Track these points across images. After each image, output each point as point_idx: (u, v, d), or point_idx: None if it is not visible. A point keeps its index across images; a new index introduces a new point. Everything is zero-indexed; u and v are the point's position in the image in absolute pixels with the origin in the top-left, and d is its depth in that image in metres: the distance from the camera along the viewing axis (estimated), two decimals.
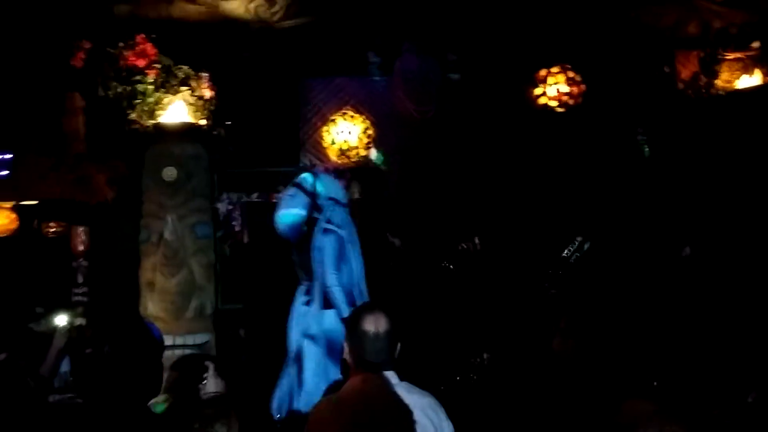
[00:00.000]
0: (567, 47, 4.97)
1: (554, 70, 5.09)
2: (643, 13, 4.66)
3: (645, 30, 4.69)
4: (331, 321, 3.22)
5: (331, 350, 3.19)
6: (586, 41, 4.88)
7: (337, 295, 3.22)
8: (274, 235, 3.40)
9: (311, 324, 3.25)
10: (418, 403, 1.85)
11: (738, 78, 4.50)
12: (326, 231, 3.28)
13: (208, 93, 4.32)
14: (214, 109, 4.34)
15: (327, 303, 3.24)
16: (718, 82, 4.50)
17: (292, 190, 3.37)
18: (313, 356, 3.22)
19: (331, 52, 4.94)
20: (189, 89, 4.22)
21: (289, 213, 3.30)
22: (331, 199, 3.35)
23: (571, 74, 5.06)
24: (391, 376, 1.90)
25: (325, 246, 3.29)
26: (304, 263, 3.35)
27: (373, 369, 1.87)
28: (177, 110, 4.21)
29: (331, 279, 3.24)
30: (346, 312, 3.09)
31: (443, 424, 1.89)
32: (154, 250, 3.95)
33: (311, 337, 3.23)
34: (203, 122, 4.24)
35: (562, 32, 4.82)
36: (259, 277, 4.48)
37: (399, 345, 1.98)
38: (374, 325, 1.89)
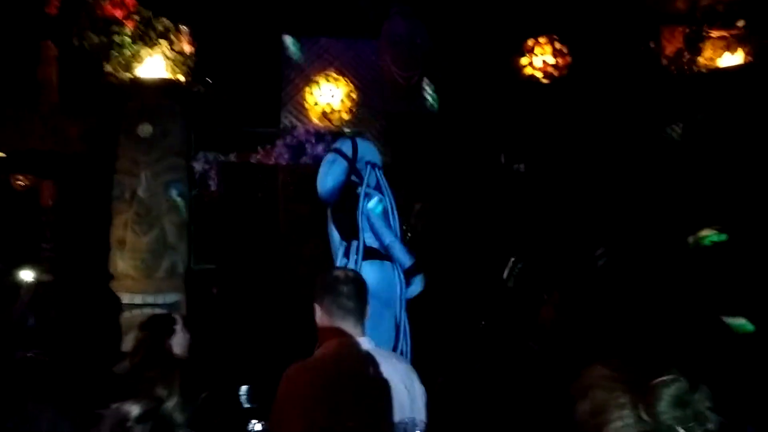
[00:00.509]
0: (554, 18, 4.93)
1: (542, 40, 5.06)
2: None
3: (633, 4, 4.66)
4: (371, 273, 3.27)
5: (378, 300, 3.17)
6: (573, 13, 4.84)
7: (398, 248, 3.40)
8: (250, 196, 3.41)
9: None
10: (394, 369, 1.85)
11: (721, 56, 4.50)
12: (367, 195, 3.43)
13: (187, 48, 4.21)
14: (193, 65, 4.24)
15: (365, 256, 3.37)
16: (701, 60, 4.51)
17: (331, 156, 3.46)
18: None
19: (316, 11, 4.84)
20: (168, 43, 4.11)
21: (330, 178, 3.40)
22: (368, 163, 3.47)
23: (557, 45, 5.04)
24: (365, 341, 1.89)
25: (370, 210, 3.43)
26: (344, 225, 3.46)
27: (346, 323, 1.86)
28: (154, 64, 4.11)
29: (389, 236, 3.41)
30: (409, 261, 3.38)
31: (416, 391, 1.89)
32: (126, 208, 3.87)
33: None
34: (181, 78, 4.14)
35: (550, 3, 4.77)
36: (233, 237, 4.44)
37: (369, 305, 1.97)
38: (344, 272, 1.93)
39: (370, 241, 3.45)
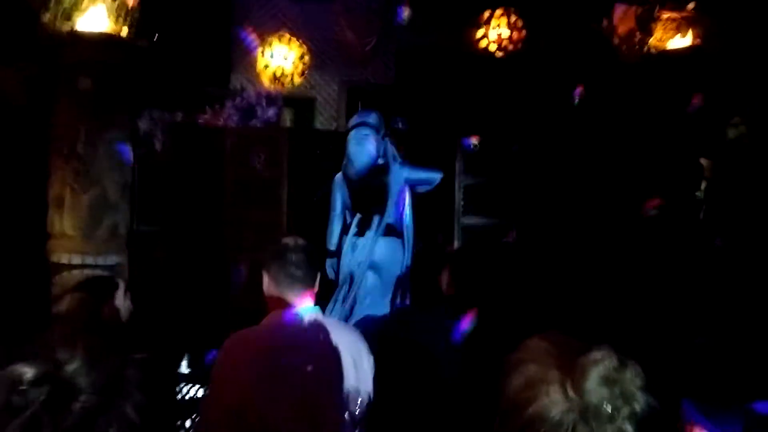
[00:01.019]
0: None
1: (498, 12, 5.04)
2: None
3: None
4: (386, 248, 3.54)
5: (388, 275, 3.54)
6: None
7: (411, 230, 3.64)
8: (197, 158, 3.35)
9: (366, 253, 3.50)
10: (340, 339, 1.83)
11: (671, 38, 4.58)
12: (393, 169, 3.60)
13: (131, 0, 4.01)
14: (138, 19, 4.04)
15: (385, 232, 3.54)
16: (652, 41, 4.58)
17: (365, 130, 3.52)
18: (369, 282, 3.51)
19: None
20: None
21: (366, 154, 3.49)
22: (385, 136, 3.59)
23: (513, 18, 5.03)
24: (314, 310, 1.87)
25: (399, 183, 3.62)
26: (368, 198, 3.58)
27: (293, 292, 1.84)
28: (96, 16, 3.90)
29: (409, 217, 3.65)
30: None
31: (364, 361, 1.89)
32: (64, 164, 3.71)
33: (367, 266, 3.51)
34: (125, 32, 3.95)
35: None
36: (178, 200, 4.32)
37: (318, 275, 1.95)
38: (293, 240, 1.90)
39: (391, 215, 3.58)
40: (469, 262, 2.13)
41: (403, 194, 3.63)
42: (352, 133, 3.53)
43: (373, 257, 3.51)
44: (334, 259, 3.73)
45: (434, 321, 2.08)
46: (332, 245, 3.74)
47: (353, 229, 3.59)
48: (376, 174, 3.57)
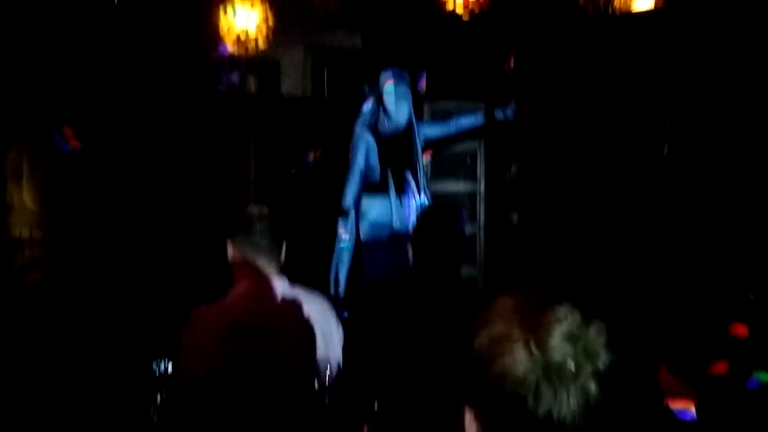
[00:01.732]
0: None
1: None
2: None
3: None
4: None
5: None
6: None
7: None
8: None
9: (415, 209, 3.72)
10: (311, 309, 1.84)
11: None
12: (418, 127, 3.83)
13: None
14: None
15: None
16: (617, 2, 4.58)
17: (404, 87, 3.67)
18: None
19: None
20: None
21: (405, 110, 3.65)
22: None
23: None
24: (279, 281, 1.86)
25: (422, 141, 3.86)
26: (398, 154, 3.75)
27: (259, 261, 1.82)
28: None
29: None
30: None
31: (333, 331, 1.89)
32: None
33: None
34: None
35: None
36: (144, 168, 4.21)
37: (285, 244, 1.93)
38: (257, 208, 1.89)
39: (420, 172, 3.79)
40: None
41: (421, 153, 3.84)
42: (390, 88, 3.61)
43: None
44: (348, 219, 3.76)
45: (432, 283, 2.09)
46: (350, 202, 3.74)
47: (392, 186, 3.68)
48: (407, 131, 3.70)
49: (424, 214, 2.25)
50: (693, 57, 4.33)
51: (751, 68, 4.09)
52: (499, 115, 4.02)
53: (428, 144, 3.97)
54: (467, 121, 3.98)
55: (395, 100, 3.60)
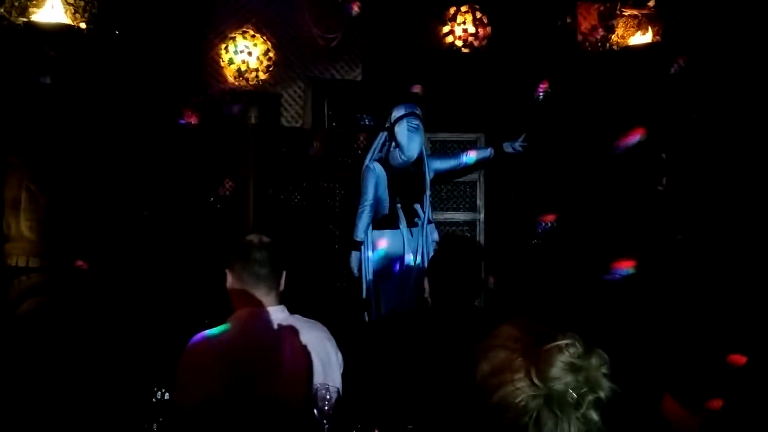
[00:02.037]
0: None
1: (463, 9, 5.07)
2: None
3: None
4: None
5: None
6: None
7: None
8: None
9: (424, 241, 3.79)
10: (309, 338, 1.82)
11: (632, 35, 4.67)
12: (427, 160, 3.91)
13: None
14: (96, 14, 3.95)
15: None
16: (614, 37, 4.66)
17: (416, 120, 3.71)
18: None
19: None
20: None
21: (419, 143, 3.70)
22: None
23: (478, 15, 5.06)
24: (278, 311, 1.85)
25: (431, 174, 3.93)
26: (407, 187, 3.80)
27: (258, 291, 1.81)
28: (54, 9, 3.80)
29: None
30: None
31: (332, 359, 1.87)
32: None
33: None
34: (83, 25, 3.85)
35: None
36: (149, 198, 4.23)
37: (284, 273, 1.93)
38: (257, 238, 1.88)
39: (428, 204, 3.87)
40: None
41: (429, 186, 3.90)
42: (404, 121, 3.66)
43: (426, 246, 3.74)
44: (359, 252, 3.85)
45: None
46: (361, 234, 3.82)
47: (403, 219, 3.74)
48: (417, 164, 3.77)
49: (439, 247, 2.25)
50: (689, 90, 4.38)
51: (746, 99, 4.14)
52: (507, 148, 4.07)
53: (437, 176, 4.00)
54: (476, 155, 4.02)
55: (407, 134, 3.64)
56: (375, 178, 3.78)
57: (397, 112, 3.74)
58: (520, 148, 4.09)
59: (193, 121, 4.39)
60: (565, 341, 0.93)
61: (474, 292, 2.12)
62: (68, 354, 3.13)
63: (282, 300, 1.91)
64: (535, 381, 0.91)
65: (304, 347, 1.80)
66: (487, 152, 4.07)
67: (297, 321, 1.87)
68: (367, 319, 3.89)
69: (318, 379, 1.79)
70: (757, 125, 4.08)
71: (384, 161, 3.79)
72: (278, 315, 1.83)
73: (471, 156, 4.04)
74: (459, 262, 2.09)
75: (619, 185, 4.48)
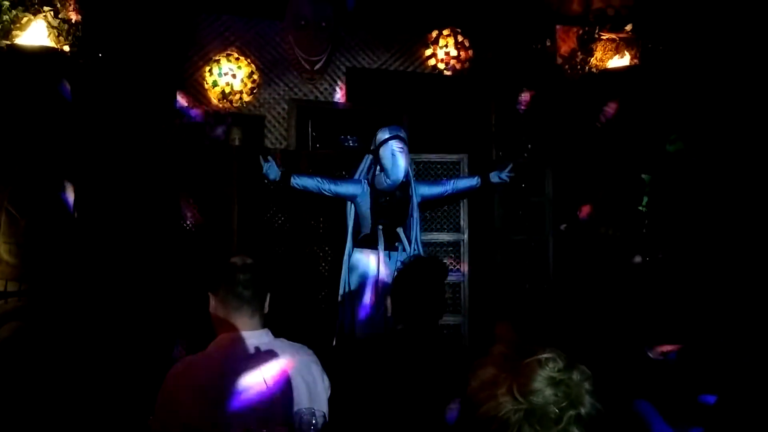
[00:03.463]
0: (457, 11, 5.03)
1: (445, 32, 5.15)
2: None
3: (531, 2, 4.84)
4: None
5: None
6: (475, 6, 4.96)
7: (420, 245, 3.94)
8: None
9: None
10: (294, 362, 1.80)
11: (610, 58, 4.77)
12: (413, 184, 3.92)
13: (74, 16, 3.92)
14: (80, 37, 3.95)
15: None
16: (593, 60, 4.75)
17: (401, 143, 3.68)
18: None
19: None
20: (52, 10, 3.81)
21: (404, 166, 3.68)
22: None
23: (460, 38, 5.14)
24: (262, 334, 1.83)
25: (418, 198, 3.94)
26: (391, 210, 3.78)
27: (242, 314, 1.80)
28: (37, 33, 3.79)
29: (419, 232, 3.94)
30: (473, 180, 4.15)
31: (318, 383, 1.86)
32: (2, 188, 3.55)
33: None
34: (66, 48, 3.85)
35: None
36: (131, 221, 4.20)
37: (268, 296, 1.92)
38: (240, 258, 1.87)
39: (413, 229, 3.86)
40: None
41: (417, 209, 3.90)
42: (389, 145, 3.65)
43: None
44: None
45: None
46: (297, 180, 3.85)
47: (382, 241, 3.72)
48: (403, 188, 3.76)
49: (402, 269, 2.22)
50: (667, 111, 4.47)
51: (724, 118, 4.23)
52: (494, 178, 4.09)
53: (424, 201, 4.01)
54: (464, 183, 4.05)
55: (392, 158, 3.64)
56: (361, 199, 3.80)
57: (381, 135, 3.74)
58: (506, 178, 4.10)
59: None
60: (545, 355, 0.94)
61: (437, 311, 2.13)
62: (44, 381, 3.08)
63: (266, 323, 1.89)
64: (517, 395, 0.92)
65: (285, 371, 1.78)
66: (474, 181, 4.06)
67: (282, 345, 1.85)
68: (337, 329, 3.88)
69: (303, 403, 1.77)
70: (734, 143, 4.16)
71: (370, 183, 3.80)
72: (262, 339, 1.81)
73: (458, 184, 4.04)
74: (421, 282, 2.10)
75: (603, 205, 4.54)
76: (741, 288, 3.57)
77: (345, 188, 3.81)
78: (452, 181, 4.05)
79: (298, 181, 3.79)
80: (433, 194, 4.00)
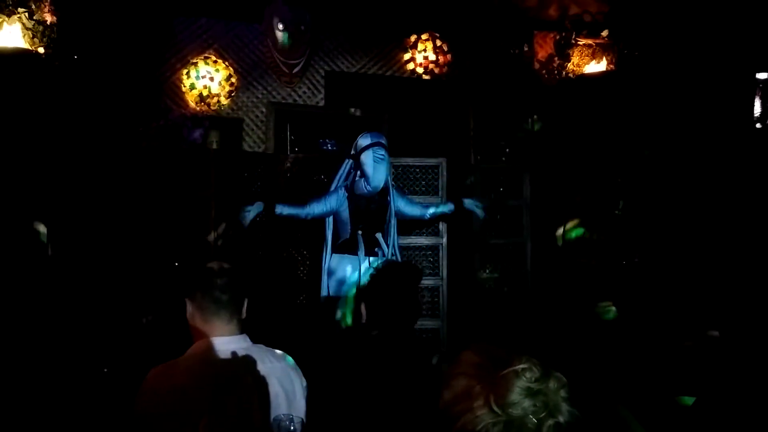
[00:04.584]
0: (435, 15, 5.05)
1: (424, 36, 5.17)
2: None
3: (509, 8, 4.87)
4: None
5: None
6: (453, 11, 4.99)
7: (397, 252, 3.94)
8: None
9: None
10: (270, 367, 1.79)
11: (587, 63, 4.83)
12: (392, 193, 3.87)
13: (49, 18, 3.86)
14: (56, 39, 3.89)
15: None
16: (570, 66, 4.81)
17: (382, 150, 3.65)
18: None
19: None
20: (27, 12, 3.75)
21: (384, 173, 3.65)
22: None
23: (438, 42, 5.17)
24: (240, 339, 1.82)
25: (397, 207, 3.90)
26: (370, 217, 3.76)
27: (219, 319, 1.78)
28: (11, 35, 3.74)
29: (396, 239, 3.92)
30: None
31: (296, 390, 1.84)
32: None
33: None
34: (41, 50, 3.80)
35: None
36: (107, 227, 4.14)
37: (246, 301, 1.91)
38: (216, 263, 1.84)
39: (392, 236, 3.84)
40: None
41: (395, 215, 3.88)
42: (370, 151, 3.62)
43: None
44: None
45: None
46: (280, 209, 3.80)
47: (362, 247, 3.70)
48: (382, 194, 3.75)
49: (375, 274, 2.19)
50: (643, 115, 4.54)
51: (698, 125, 4.31)
52: (469, 206, 4.05)
53: (397, 214, 3.96)
54: (440, 211, 4.03)
55: (373, 164, 3.61)
56: (339, 204, 3.80)
57: (362, 141, 3.72)
58: (480, 213, 4.08)
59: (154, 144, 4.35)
60: (521, 366, 0.94)
61: (412, 315, 2.13)
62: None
63: (244, 328, 1.88)
64: (494, 408, 0.91)
65: (263, 377, 1.76)
66: (448, 207, 4.04)
67: (259, 350, 1.83)
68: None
69: (282, 409, 1.76)
70: (708, 146, 4.23)
71: (349, 188, 3.79)
72: (240, 344, 1.79)
73: (435, 212, 4.02)
74: (395, 286, 2.10)
75: (580, 209, 4.59)
76: (720, 290, 3.63)
77: (328, 205, 3.78)
78: (430, 208, 4.01)
79: (287, 212, 3.77)
80: (407, 214, 3.95)
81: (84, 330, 3.65)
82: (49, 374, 3.28)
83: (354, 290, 3.70)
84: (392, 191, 3.85)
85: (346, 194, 3.77)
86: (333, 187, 3.87)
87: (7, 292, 3.41)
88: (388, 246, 3.80)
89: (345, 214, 3.77)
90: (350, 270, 3.74)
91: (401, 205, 3.93)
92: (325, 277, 3.82)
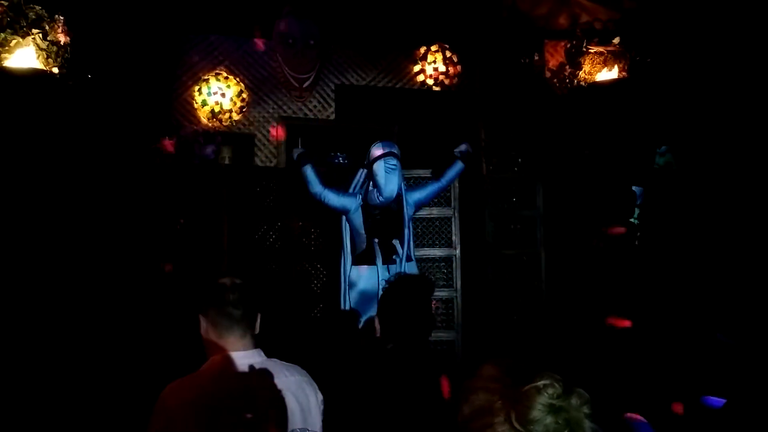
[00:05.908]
0: (444, 26, 5.07)
1: (433, 48, 5.18)
2: (520, 1, 4.83)
3: (519, 17, 4.87)
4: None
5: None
6: (462, 22, 4.99)
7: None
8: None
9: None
10: (285, 381, 1.78)
11: (599, 71, 4.80)
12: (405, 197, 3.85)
13: (62, 38, 3.91)
14: (69, 59, 3.94)
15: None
16: (581, 74, 4.79)
17: (394, 160, 3.66)
18: None
19: (206, 6, 4.67)
20: (41, 33, 3.80)
21: (396, 183, 3.65)
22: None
23: (448, 54, 5.17)
24: (254, 354, 1.81)
25: (411, 210, 3.89)
26: (385, 225, 3.76)
27: (233, 334, 1.78)
28: (26, 55, 3.78)
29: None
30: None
31: (311, 403, 1.83)
32: None
33: None
34: (56, 70, 3.84)
35: (440, 11, 4.89)
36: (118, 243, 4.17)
37: (259, 316, 1.90)
38: (228, 279, 1.85)
39: (408, 241, 3.82)
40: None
41: (410, 223, 3.87)
42: (381, 161, 3.63)
43: None
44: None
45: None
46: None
47: (379, 256, 3.70)
48: (396, 201, 3.74)
49: (387, 287, 2.19)
50: (656, 123, 4.50)
51: (713, 129, 4.26)
52: (457, 153, 4.06)
53: (419, 207, 3.98)
54: (453, 173, 4.01)
55: (385, 174, 3.62)
56: (354, 216, 3.80)
57: (375, 151, 3.72)
58: (465, 148, 4.09)
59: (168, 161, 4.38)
60: (543, 382, 0.92)
61: (426, 327, 2.11)
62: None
63: (259, 342, 1.87)
64: (515, 424, 0.90)
65: (278, 391, 1.76)
66: (459, 166, 4.02)
67: (274, 365, 1.83)
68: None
69: (297, 424, 1.75)
70: (723, 154, 4.19)
71: (363, 198, 3.79)
72: (254, 359, 1.79)
73: (449, 175, 4.01)
74: (408, 299, 2.09)
75: (596, 219, 4.54)
76: (735, 298, 3.57)
77: (341, 201, 3.79)
78: (442, 179, 4.01)
79: (308, 173, 3.80)
80: (429, 192, 3.95)
81: (106, 348, 3.67)
82: (74, 383, 3.30)
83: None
84: (405, 196, 3.82)
85: (361, 203, 3.77)
86: (351, 191, 3.87)
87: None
88: (406, 255, 3.79)
89: (358, 220, 3.76)
90: (370, 280, 3.72)
91: (416, 196, 3.91)
92: (344, 289, 3.80)
